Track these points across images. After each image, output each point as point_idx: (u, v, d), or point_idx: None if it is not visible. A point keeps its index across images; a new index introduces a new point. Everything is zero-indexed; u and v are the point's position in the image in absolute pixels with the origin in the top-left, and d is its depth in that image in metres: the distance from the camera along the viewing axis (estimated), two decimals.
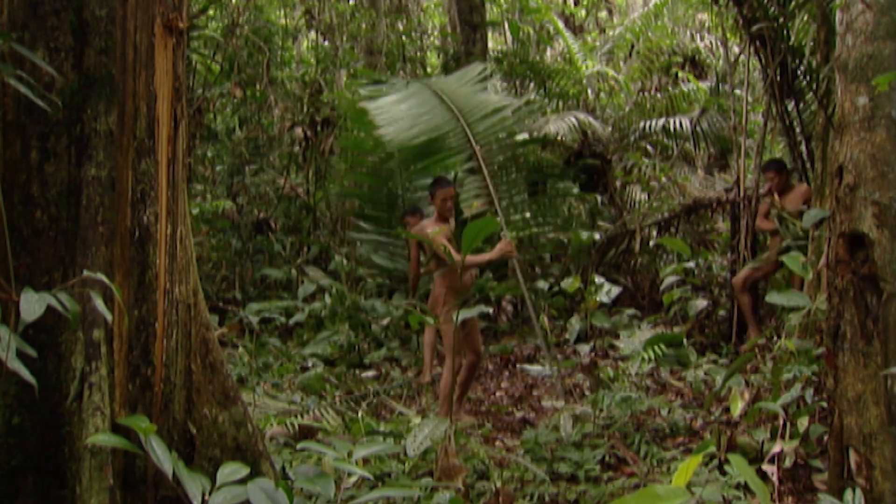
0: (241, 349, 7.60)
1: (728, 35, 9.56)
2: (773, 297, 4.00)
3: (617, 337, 7.95)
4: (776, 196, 7.31)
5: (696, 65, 14.04)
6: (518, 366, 7.75)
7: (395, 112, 7.23)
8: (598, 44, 14.41)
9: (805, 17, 6.77)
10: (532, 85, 12.61)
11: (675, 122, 11.37)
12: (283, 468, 3.90)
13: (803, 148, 7.24)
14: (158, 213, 2.83)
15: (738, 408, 4.63)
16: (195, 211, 9.65)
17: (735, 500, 3.67)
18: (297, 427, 5.11)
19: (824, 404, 3.90)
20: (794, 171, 7.64)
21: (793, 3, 6.73)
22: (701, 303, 8.32)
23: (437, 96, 7.09)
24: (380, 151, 7.09)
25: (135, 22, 2.81)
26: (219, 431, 2.95)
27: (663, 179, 11.20)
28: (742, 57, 8.66)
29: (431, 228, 5.51)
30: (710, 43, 14.15)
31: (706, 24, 14.40)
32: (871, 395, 3.15)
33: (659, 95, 12.46)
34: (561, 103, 12.40)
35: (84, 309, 2.54)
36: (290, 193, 11.44)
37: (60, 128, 2.70)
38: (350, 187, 10.60)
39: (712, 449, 4.07)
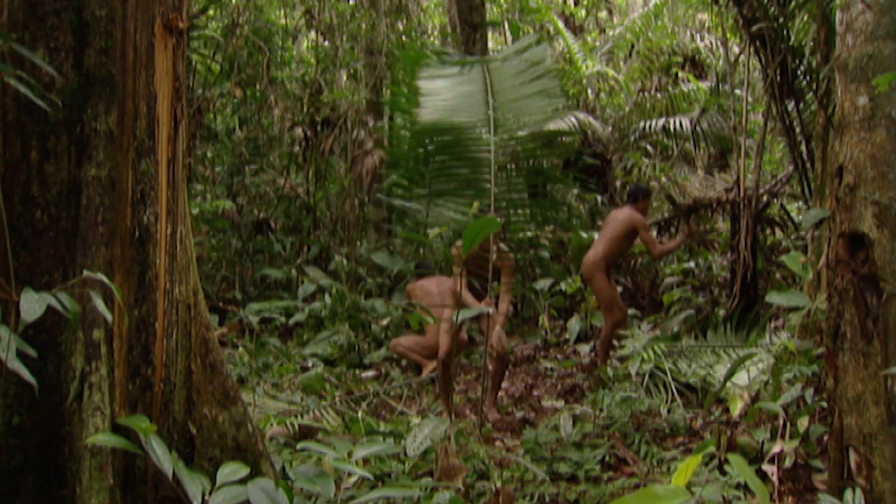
0: (241, 349, 7.60)
1: (728, 35, 9.56)
2: (773, 297, 3.99)
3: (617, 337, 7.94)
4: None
5: (696, 65, 14.03)
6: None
7: (445, 96, 6.91)
8: (598, 44, 14.39)
9: (805, 17, 6.76)
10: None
11: (675, 122, 11.36)
12: (283, 468, 3.90)
13: (803, 148, 7.23)
14: (158, 213, 2.83)
15: (737, 408, 4.63)
16: (195, 211, 9.65)
17: (735, 500, 3.67)
18: (297, 427, 5.12)
19: (824, 404, 3.89)
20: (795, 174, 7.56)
21: (793, 3, 6.72)
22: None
23: (486, 89, 6.76)
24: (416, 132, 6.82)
25: (135, 22, 2.81)
26: (219, 431, 2.95)
27: (663, 179, 11.20)
28: (742, 57, 8.66)
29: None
30: (710, 43, 14.14)
31: (706, 24, 14.38)
32: (871, 395, 3.14)
33: (659, 95, 12.45)
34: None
35: (84, 309, 2.54)
36: (290, 193, 11.44)
37: (60, 128, 2.70)
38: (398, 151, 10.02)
39: (712, 449, 4.07)
